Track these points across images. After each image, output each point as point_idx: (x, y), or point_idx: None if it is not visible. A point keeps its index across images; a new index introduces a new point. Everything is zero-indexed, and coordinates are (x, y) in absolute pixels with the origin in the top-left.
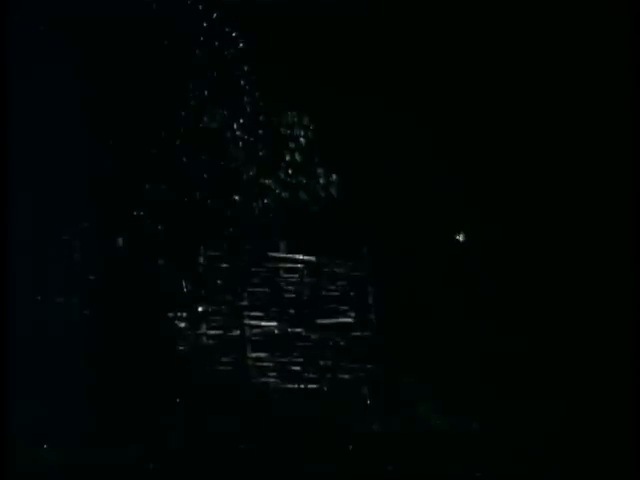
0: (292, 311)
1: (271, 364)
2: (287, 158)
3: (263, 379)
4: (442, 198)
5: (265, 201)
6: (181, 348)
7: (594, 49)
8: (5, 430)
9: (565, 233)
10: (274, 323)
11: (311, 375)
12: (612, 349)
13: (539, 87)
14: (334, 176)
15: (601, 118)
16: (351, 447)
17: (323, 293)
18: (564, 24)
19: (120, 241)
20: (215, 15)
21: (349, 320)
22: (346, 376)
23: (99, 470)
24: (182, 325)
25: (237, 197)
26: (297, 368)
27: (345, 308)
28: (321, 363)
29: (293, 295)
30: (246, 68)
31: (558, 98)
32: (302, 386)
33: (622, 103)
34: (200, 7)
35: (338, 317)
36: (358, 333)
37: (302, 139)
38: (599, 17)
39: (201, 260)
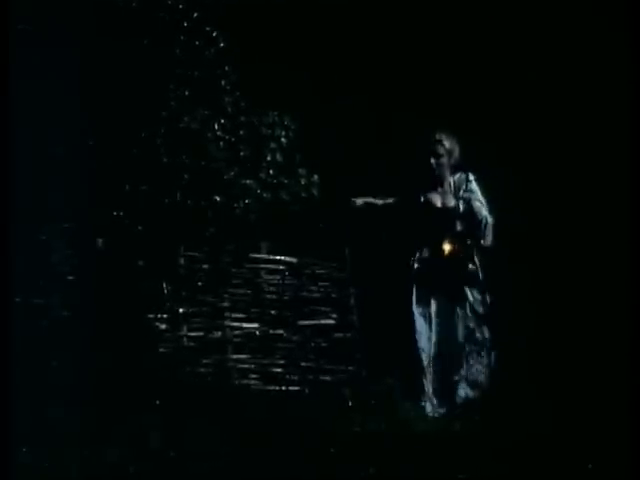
0: (273, 312)
1: (252, 366)
2: (268, 158)
3: (244, 381)
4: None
5: (246, 202)
6: (162, 350)
7: (592, 48)
8: None
9: (559, 234)
10: (255, 324)
11: (292, 377)
12: (603, 349)
13: (537, 89)
14: (315, 176)
15: (600, 122)
16: (333, 449)
17: (305, 294)
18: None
19: (99, 242)
20: (195, 14)
21: (331, 322)
22: (328, 378)
23: (78, 472)
24: (162, 327)
25: (218, 198)
26: (278, 370)
27: (327, 309)
28: (302, 365)
29: (274, 296)
30: (227, 68)
31: (553, 102)
32: (283, 388)
33: (622, 106)
34: (180, 6)
35: (320, 319)
36: (340, 335)
37: (283, 139)
38: (598, 17)
39: (181, 261)
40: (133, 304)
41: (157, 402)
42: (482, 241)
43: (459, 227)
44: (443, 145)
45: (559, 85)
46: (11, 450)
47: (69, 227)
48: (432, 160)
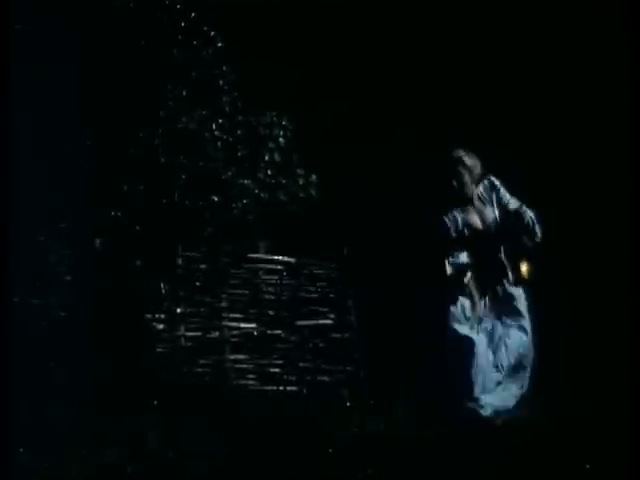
0: (271, 313)
1: (250, 366)
2: (266, 158)
3: (242, 381)
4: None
5: (244, 202)
6: (159, 350)
7: (593, 53)
8: None
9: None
10: (253, 325)
11: (290, 377)
12: (602, 350)
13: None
14: (314, 176)
15: (599, 124)
16: (331, 450)
17: (303, 295)
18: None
19: (97, 242)
20: (193, 14)
21: (329, 322)
22: (326, 378)
23: (76, 471)
24: (160, 327)
25: (216, 198)
26: (276, 370)
27: (325, 310)
28: (300, 365)
29: (272, 297)
30: (225, 68)
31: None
32: (281, 388)
33: (621, 108)
34: (178, 6)
35: (318, 319)
36: (338, 335)
37: (281, 139)
38: (597, 17)
39: (179, 261)
40: (131, 304)
41: (155, 402)
42: (535, 239)
43: (511, 238)
44: (464, 163)
45: (561, 89)
46: (11, 450)
47: (67, 227)
48: (454, 182)
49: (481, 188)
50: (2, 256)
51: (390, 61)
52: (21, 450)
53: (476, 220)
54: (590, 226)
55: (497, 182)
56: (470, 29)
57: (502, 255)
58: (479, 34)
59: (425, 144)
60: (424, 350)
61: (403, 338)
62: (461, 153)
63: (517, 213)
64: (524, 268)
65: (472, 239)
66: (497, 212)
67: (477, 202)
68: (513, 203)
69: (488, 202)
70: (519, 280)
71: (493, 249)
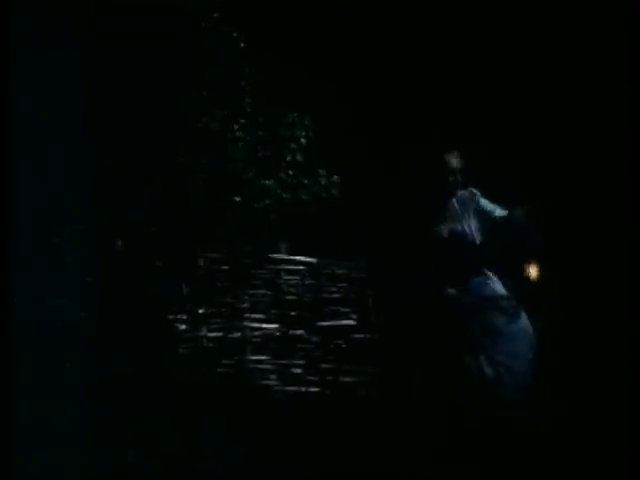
0: (293, 313)
1: (272, 367)
2: (288, 159)
3: (264, 382)
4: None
5: (266, 202)
6: (181, 351)
7: (590, 49)
8: (1, 432)
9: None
10: (275, 325)
11: (312, 378)
12: (603, 350)
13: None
14: (335, 177)
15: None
16: (352, 450)
17: (324, 295)
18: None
19: (118, 243)
20: (215, 15)
21: (351, 322)
22: (347, 379)
23: (95, 472)
24: (182, 327)
25: (237, 198)
26: (298, 371)
27: (347, 310)
28: (322, 366)
29: (294, 297)
30: (246, 69)
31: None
32: (303, 389)
33: (622, 109)
34: (200, 7)
35: (340, 319)
36: (360, 335)
37: (303, 140)
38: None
39: (201, 262)
40: (152, 305)
41: (176, 403)
42: (529, 243)
43: (498, 244)
44: (458, 161)
45: (561, 90)
46: (11, 450)
47: (89, 228)
48: (450, 178)
49: (458, 196)
50: (10, 256)
51: (412, 61)
52: (35, 451)
53: (455, 227)
54: (591, 225)
55: (476, 192)
56: (472, 30)
57: (485, 262)
58: (481, 35)
59: (446, 144)
60: (445, 349)
61: (424, 338)
62: (452, 155)
63: (504, 220)
64: (523, 272)
65: (457, 245)
66: (475, 221)
67: (452, 210)
68: (498, 211)
69: (466, 211)
70: (519, 282)
71: (474, 256)
